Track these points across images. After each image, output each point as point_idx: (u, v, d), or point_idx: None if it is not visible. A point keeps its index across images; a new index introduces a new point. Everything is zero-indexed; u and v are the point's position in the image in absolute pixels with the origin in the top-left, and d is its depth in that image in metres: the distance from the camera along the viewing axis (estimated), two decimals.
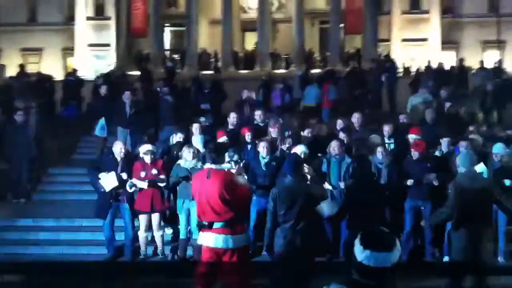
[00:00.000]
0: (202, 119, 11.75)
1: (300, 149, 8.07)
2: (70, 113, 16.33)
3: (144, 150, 8.69)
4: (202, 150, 8.65)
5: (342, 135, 9.31)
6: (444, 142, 8.85)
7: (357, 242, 2.54)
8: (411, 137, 9.19)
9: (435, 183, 7.92)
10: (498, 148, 8.45)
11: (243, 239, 5.86)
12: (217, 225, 5.73)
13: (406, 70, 23.57)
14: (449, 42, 34.30)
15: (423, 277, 7.79)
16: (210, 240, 5.73)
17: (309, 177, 7.03)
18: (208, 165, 5.95)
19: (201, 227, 5.87)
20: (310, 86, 16.28)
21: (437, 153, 8.72)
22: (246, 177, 6.27)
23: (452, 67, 19.69)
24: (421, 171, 8.11)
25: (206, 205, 5.76)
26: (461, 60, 19.69)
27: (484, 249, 6.02)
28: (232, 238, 5.72)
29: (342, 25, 31.30)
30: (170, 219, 9.10)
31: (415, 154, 8.26)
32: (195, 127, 10.17)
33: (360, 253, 2.51)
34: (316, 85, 16.25)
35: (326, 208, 6.48)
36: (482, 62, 19.99)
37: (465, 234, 5.96)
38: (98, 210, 8.68)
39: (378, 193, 7.44)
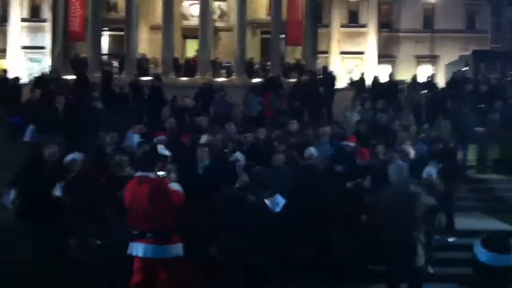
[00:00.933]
0: (140, 125, 11.50)
1: (238, 157, 8.03)
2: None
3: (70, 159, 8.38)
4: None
5: (279, 145, 9.34)
6: (380, 149, 9.02)
7: (478, 245, 2.91)
8: (347, 144, 9.45)
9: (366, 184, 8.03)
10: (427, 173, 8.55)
11: (176, 249, 5.71)
12: (148, 235, 5.58)
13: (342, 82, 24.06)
14: (385, 56, 35.40)
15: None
16: (142, 250, 5.59)
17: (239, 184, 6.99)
18: (139, 173, 5.80)
19: (131, 236, 5.70)
20: (250, 94, 16.32)
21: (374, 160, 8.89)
22: (178, 185, 6.07)
23: (384, 81, 20.21)
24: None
25: (137, 214, 5.62)
26: (391, 75, 20.22)
27: (417, 257, 6.16)
28: (164, 248, 5.60)
29: (283, 36, 31.66)
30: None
31: (360, 161, 8.46)
32: (132, 133, 9.97)
33: (483, 254, 2.89)
34: (257, 94, 16.31)
35: (270, 204, 6.51)
36: (415, 76, 20.66)
37: (397, 243, 6.08)
38: None
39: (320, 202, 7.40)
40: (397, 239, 6.09)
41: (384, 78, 20.63)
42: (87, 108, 13.26)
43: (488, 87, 17.00)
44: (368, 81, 20.84)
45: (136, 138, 9.18)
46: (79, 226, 8.09)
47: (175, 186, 5.96)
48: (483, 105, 15.46)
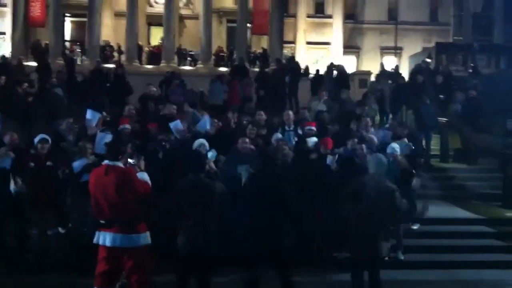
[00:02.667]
0: (103, 113, 11.27)
1: (199, 143, 7.97)
2: None
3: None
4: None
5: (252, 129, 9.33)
6: (350, 141, 9.10)
7: None
8: (308, 128, 9.52)
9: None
10: (391, 148, 8.73)
11: (143, 238, 5.68)
12: (115, 224, 5.55)
13: (307, 71, 24.06)
14: (350, 46, 35.70)
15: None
16: (108, 239, 5.55)
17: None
18: (106, 162, 5.74)
19: (98, 225, 5.65)
20: (216, 83, 16.23)
21: (341, 150, 8.94)
22: (146, 174, 6.00)
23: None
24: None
25: (103, 203, 5.57)
26: (341, 66, 19.87)
27: (381, 246, 6.23)
28: (132, 237, 5.57)
29: (249, 25, 31.54)
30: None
31: (323, 148, 8.50)
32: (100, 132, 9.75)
33: None
34: (221, 82, 16.22)
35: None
36: (382, 65, 20.82)
37: (362, 232, 6.12)
38: None
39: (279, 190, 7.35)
40: (361, 228, 6.12)
41: (349, 68, 20.78)
42: (47, 95, 12.95)
43: (447, 78, 17.31)
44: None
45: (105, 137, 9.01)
46: (38, 215, 7.93)
47: (142, 176, 5.92)
48: (441, 96, 15.77)
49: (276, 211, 6.16)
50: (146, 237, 5.73)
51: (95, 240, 5.68)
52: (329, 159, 8.25)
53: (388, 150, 8.53)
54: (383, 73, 19.27)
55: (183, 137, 9.19)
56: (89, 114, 9.56)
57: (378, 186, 6.07)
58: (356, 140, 9.13)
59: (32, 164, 7.92)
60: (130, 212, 5.58)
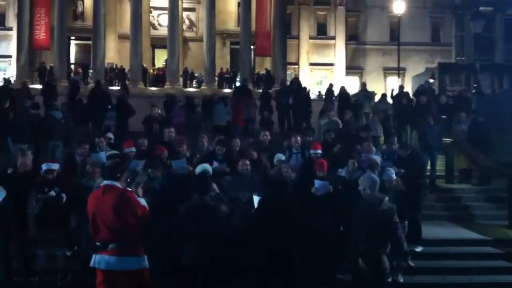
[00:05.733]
0: (110, 135, 11.28)
1: (202, 168, 7.95)
2: None
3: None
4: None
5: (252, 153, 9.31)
6: (350, 163, 9.02)
7: None
8: (313, 152, 9.47)
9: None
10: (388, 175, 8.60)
11: (140, 261, 5.54)
12: (111, 246, 5.43)
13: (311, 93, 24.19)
14: (353, 67, 35.88)
15: None
16: (104, 262, 5.43)
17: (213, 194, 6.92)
18: (105, 182, 5.66)
19: (94, 248, 5.53)
20: (219, 104, 16.31)
21: (343, 173, 8.86)
22: (144, 199, 5.89)
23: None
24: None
25: (100, 224, 5.46)
26: (342, 87, 20.05)
27: (382, 267, 6.15)
28: (128, 260, 5.44)
29: (252, 46, 31.78)
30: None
31: (319, 173, 8.41)
32: (99, 143, 9.78)
33: None
34: (225, 103, 16.31)
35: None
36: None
37: (364, 254, 6.04)
38: None
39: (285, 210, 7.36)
40: (361, 251, 6.04)
41: (352, 89, 20.82)
42: (43, 117, 12.94)
43: (451, 98, 17.33)
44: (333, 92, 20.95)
45: (102, 156, 9.01)
46: (45, 235, 7.93)
47: (141, 201, 5.78)
48: (444, 116, 15.76)
49: (285, 233, 6.19)
50: (143, 260, 5.60)
51: (91, 263, 5.55)
52: (317, 183, 8.02)
53: (384, 177, 8.39)
54: (384, 95, 19.30)
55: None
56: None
57: (381, 205, 6.02)
58: (355, 161, 9.06)
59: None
60: (127, 234, 5.45)
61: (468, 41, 34.61)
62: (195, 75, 32.53)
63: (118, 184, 5.59)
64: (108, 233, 5.44)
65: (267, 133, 10.95)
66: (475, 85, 22.25)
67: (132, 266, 5.47)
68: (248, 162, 8.43)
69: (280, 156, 9.18)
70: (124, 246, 5.44)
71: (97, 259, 5.48)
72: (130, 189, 5.80)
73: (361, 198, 6.13)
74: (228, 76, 32.69)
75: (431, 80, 22.21)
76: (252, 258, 6.67)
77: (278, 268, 6.52)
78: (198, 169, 8.01)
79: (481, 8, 34.12)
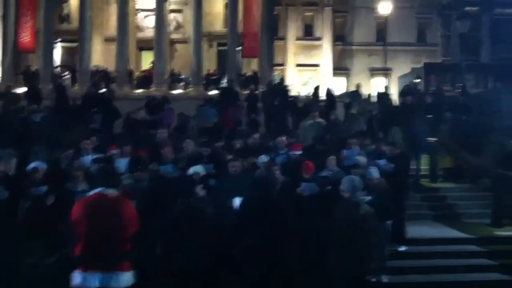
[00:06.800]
0: (94, 138, 11.21)
1: (195, 170, 7.92)
2: None
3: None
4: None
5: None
6: (331, 161, 9.00)
7: None
8: (293, 153, 9.50)
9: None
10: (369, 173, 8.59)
11: (126, 278, 5.17)
12: (97, 261, 5.03)
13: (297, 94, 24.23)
14: (340, 68, 35.99)
15: None
16: (88, 279, 5.03)
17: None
18: (98, 189, 5.27)
19: (79, 263, 5.12)
20: (204, 107, 16.28)
21: (324, 173, 8.88)
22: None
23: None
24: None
25: (89, 237, 5.06)
26: (328, 90, 20.07)
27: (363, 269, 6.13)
28: (113, 277, 5.07)
29: (239, 48, 31.77)
30: None
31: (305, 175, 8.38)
32: (84, 147, 9.75)
33: None
34: (210, 106, 16.30)
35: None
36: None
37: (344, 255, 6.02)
38: None
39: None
40: (343, 255, 6.01)
41: (339, 90, 20.88)
42: (20, 121, 12.81)
43: (436, 98, 17.43)
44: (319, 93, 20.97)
45: (88, 160, 8.96)
46: (35, 242, 7.83)
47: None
48: (430, 116, 15.87)
49: (274, 233, 6.16)
50: (128, 277, 5.21)
51: (74, 283, 5.09)
52: (303, 185, 7.94)
53: (368, 176, 8.39)
54: (369, 95, 19.40)
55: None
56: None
57: (359, 209, 6.01)
58: (334, 158, 9.06)
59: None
60: (117, 248, 5.09)
61: (454, 41, 34.89)
62: (182, 77, 32.43)
63: (112, 192, 5.24)
64: (96, 245, 5.03)
65: (256, 136, 10.94)
66: (460, 84, 22.46)
67: (118, 283, 5.10)
68: (237, 164, 8.40)
69: (264, 158, 9.19)
70: (111, 260, 5.09)
71: (80, 276, 5.07)
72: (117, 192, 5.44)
73: (340, 201, 6.13)
74: (215, 77, 32.63)
75: (417, 80, 22.33)
76: (245, 262, 6.60)
77: (274, 274, 6.39)
78: (190, 171, 7.99)
79: (467, 8, 34.51)
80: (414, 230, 10.27)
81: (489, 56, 33.47)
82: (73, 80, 29.35)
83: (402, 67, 32.95)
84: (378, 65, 33.21)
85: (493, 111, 16.31)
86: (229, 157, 8.99)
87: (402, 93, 18.57)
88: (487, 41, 34.30)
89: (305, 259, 7.69)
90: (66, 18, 34.11)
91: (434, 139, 14.53)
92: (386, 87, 21.02)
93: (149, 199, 7.21)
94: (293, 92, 22.12)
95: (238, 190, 7.61)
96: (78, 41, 30.11)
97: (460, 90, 21.43)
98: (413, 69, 29.42)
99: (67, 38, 33.35)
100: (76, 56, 31.00)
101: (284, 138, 10.66)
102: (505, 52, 31.91)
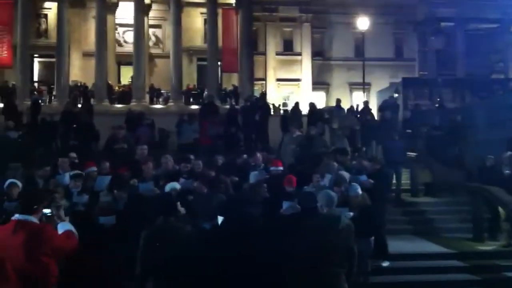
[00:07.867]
0: (73, 154, 11.01)
1: (171, 187, 7.83)
2: None
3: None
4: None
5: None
6: (315, 177, 9.01)
7: None
8: (274, 169, 9.46)
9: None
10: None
11: None
12: None
13: (276, 109, 24.27)
14: (320, 83, 36.25)
15: None
16: None
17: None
18: (16, 216, 4.64)
19: None
20: (184, 123, 16.20)
21: (309, 188, 8.84)
22: (69, 224, 4.97)
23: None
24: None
25: (8, 270, 4.43)
26: (312, 104, 20.10)
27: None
28: None
29: (220, 63, 31.81)
30: None
31: (288, 189, 8.35)
32: (62, 164, 9.59)
33: None
34: (191, 121, 16.20)
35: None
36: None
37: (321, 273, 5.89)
38: None
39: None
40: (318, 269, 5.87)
41: (319, 104, 20.96)
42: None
43: (414, 113, 17.59)
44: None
45: (66, 178, 8.80)
46: None
47: (64, 227, 4.82)
48: (409, 131, 16.00)
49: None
50: None
51: None
52: (285, 204, 7.66)
53: (350, 193, 8.37)
54: (350, 109, 19.51)
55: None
56: None
57: (339, 223, 5.90)
58: (319, 176, 9.08)
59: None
60: (43, 281, 4.48)
61: (430, 56, 35.44)
62: (162, 91, 32.33)
63: (34, 219, 4.63)
64: (19, 281, 4.42)
65: (221, 157, 10.98)
66: (438, 99, 22.72)
67: None
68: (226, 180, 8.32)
69: (256, 175, 9.09)
70: None
71: None
72: (48, 213, 4.91)
73: (317, 216, 6.02)
74: (195, 92, 32.60)
75: (396, 95, 22.54)
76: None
77: None
78: (167, 188, 7.88)
79: (442, 24, 35.10)
80: (394, 245, 10.23)
81: (464, 70, 34.02)
82: (50, 95, 29.09)
83: (380, 82, 33.30)
84: (357, 79, 33.47)
85: (469, 125, 16.48)
86: (212, 173, 8.93)
87: (381, 108, 18.70)
88: (462, 56, 34.88)
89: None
90: (43, 33, 33.82)
91: (414, 154, 14.63)
92: (366, 102, 21.11)
93: (126, 219, 7.12)
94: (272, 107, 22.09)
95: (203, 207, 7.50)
96: (56, 56, 29.89)
97: (437, 104, 21.69)
98: (391, 84, 29.73)
99: (45, 53, 33.05)
100: (54, 71, 30.71)
101: (258, 154, 10.63)
102: (479, 67, 32.47)
